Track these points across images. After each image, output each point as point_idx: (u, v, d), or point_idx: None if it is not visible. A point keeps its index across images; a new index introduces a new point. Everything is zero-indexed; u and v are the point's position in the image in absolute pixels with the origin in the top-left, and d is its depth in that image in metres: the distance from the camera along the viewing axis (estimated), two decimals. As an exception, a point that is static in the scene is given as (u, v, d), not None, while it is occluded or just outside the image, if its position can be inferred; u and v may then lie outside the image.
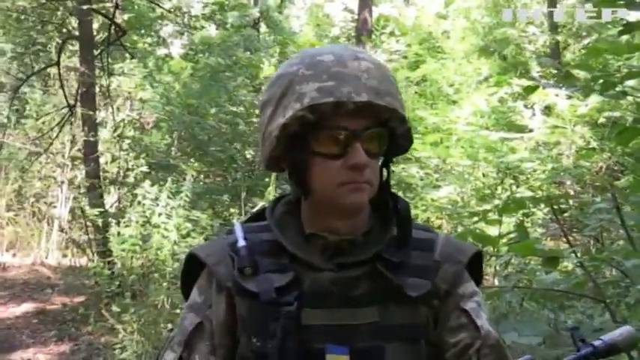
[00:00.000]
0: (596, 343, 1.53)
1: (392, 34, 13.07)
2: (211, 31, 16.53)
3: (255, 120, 10.95)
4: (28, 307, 10.05)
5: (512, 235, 4.11)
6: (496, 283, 6.27)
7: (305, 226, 1.64)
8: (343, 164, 1.50)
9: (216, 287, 1.63)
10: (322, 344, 1.56)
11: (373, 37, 12.60)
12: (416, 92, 11.62)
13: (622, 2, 3.65)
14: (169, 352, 1.66)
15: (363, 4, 12.54)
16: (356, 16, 14.04)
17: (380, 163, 1.61)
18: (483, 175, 9.43)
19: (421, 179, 9.55)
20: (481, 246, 3.57)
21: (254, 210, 8.58)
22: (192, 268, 1.70)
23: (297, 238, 1.63)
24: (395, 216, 1.63)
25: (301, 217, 1.66)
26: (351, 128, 1.49)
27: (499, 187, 8.88)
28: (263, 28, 18.41)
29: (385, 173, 1.64)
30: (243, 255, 1.60)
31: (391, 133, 1.58)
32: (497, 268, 6.75)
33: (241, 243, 1.61)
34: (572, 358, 1.50)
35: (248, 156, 11.13)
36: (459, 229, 7.20)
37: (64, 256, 13.14)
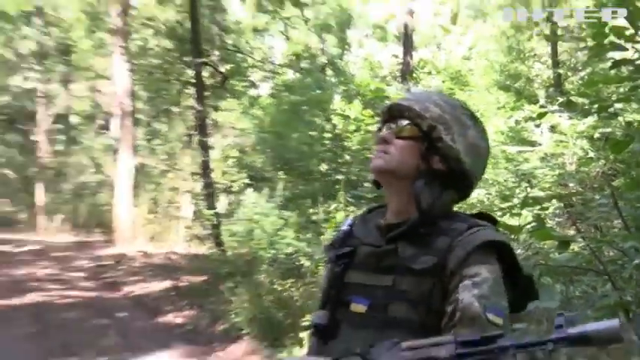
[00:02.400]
0: (571, 330, 1.20)
1: (429, 73, 13.03)
2: (289, 75, 16.71)
3: (326, 142, 10.87)
4: (166, 284, 10.26)
5: (530, 225, 4.11)
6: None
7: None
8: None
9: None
10: (351, 296, 1.59)
11: (414, 75, 12.60)
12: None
13: (609, 47, 3.66)
14: None
15: (405, 50, 12.57)
16: (401, 60, 14.11)
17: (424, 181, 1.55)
18: (504, 180, 9.32)
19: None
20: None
21: (330, 209, 8.71)
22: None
23: (366, 225, 1.68)
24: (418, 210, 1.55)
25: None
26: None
27: (517, 189, 8.75)
28: (329, 71, 18.55)
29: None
30: (338, 236, 1.69)
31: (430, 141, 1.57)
32: (520, 251, 6.70)
33: (344, 228, 1.70)
34: (537, 341, 1.23)
35: (322, 169, 11.20)
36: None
37: (190, 246, 13.32)
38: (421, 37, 18.14)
